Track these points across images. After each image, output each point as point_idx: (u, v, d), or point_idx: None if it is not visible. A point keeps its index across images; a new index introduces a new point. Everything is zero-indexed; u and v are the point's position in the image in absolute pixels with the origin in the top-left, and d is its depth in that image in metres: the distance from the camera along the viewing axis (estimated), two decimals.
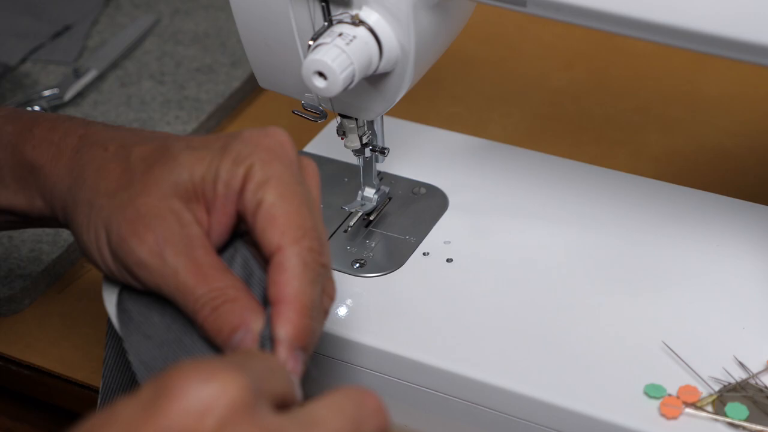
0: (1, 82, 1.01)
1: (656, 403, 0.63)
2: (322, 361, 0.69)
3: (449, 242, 0.74)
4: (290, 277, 0.55)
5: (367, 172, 0.76)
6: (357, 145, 0.73)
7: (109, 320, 0.60)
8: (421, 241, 0.74)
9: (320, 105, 0.71)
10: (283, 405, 0.49)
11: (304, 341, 0.55)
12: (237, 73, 1.01)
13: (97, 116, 0.97)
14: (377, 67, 0.65)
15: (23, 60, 1.04)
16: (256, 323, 0.55)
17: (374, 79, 0.67)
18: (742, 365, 0.64)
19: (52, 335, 0.79)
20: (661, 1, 0.58)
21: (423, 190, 0.78)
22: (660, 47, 0.61)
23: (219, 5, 1.10)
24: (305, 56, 0.63)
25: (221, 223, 0.58)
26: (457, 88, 0.99)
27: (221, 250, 0.58)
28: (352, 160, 0.77)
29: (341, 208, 0.77)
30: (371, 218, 0.76)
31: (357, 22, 0.64)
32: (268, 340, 0.54)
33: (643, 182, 0.78)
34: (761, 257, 0.71)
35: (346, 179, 0.80)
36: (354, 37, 0.63)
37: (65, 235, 0.84)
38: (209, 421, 0.44)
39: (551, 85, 0.99)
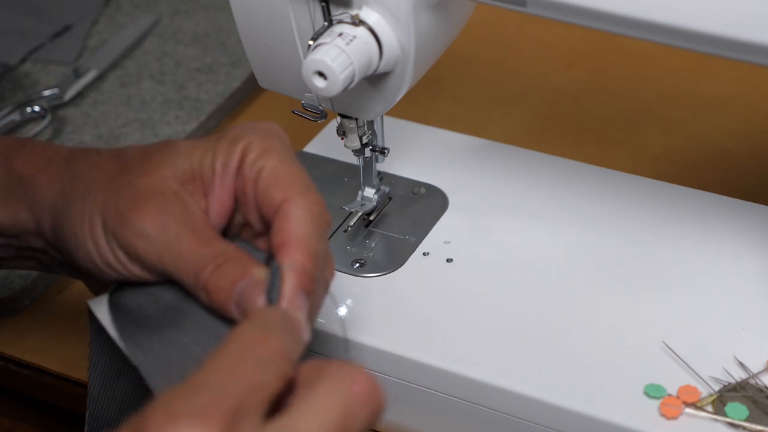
0: (1, 82, 1.01)
1: (656, 403, 0.63)
2: None
3: (449, 242, 0.74)
4: (297, 223, 0.55)
5: (367, 172, 0.76)
6: (357, 145, 0.73)
7: (91, 347, 0.59)
8: (421, 241, 0.74)
9: (320, 105, 0.71)
10: (283, 392, 0.48)
11: (309, 285, 0.54)
12: (237, 73, 1.01)
13: (97, 116, 0.97)
14: (377, 67, 0.65)
15: (23, 60, 1.04)
16: (258, 271, 0.54)
17: (374, 79, 0.67)
18: (742, 365, 0.64)
19: (52, 335, 0.79)
20: (661, 1, 0.58)
21: (423, 190, 0.78)
22: (660, 47, 0.61)
23: (219, 5, 1.10)
24: (305, 56, 0.63)
25: (219, 203, 0.58)
26: (457, 88, 0.99)
27: None
28: (352, 160, 0.77)
29: (341, 208, 0.77)
30: (371, 218, 0.76)
31: (357, 22, 0.64)
32: (278, 280, 0.53)
33: (643, 182, 0.78)
34: (761, 257, 0.71)
35: (346, 179, 0.80)
36: (354, 37, 0.63)
37: None
38: None
39: (551, 85, 0.99)
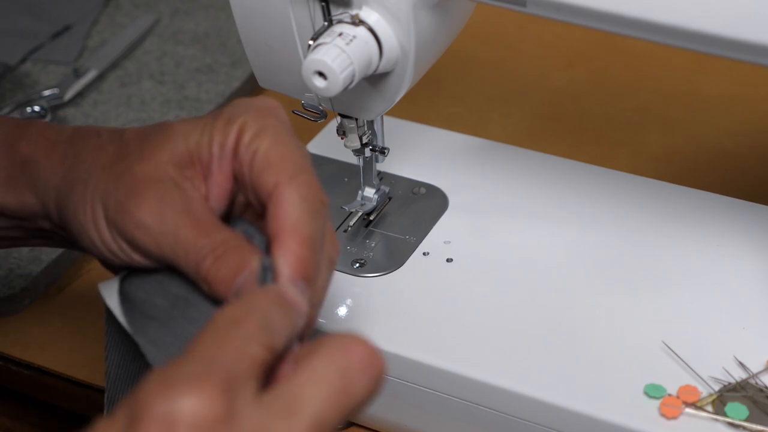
0: (1, 82, 1.01)
1: (656, 403, 0.63)
2: None
3: (449, 242, 0.74)
4: (288, 209, 0.55)
5: (367, 172, 0.76)
6: (357, 145, 0.73)
7: (107, 326, 0.59)
8: (421, 241, 0.74)
9: (320, 105, 0.71)
10: (275, 361, 0.49)
11: (306, 272, 0.54)
12: (237, 73, 1.01)
13: (98, 116, 0.97)
14: (377, 67, 0.65)
15: (23, 60, 1.04)
16: (257, 261, 0.54)
17: (374, 79, 0.67)
18: (742, 365, 0.64)
19: (52, 335, 0.79)
20: (661, 1, 0.58)
21: (423, 190, 0.78)
22: (660, 47, 0.61)
23: (219, 5, 1.10)
24: (305, 56, 0.63)
25: (219, 186, 0.58)
26: (457, 88, 0.99)
27: None
28: (352, 160, 0.77)
29: (341, 208, 0.77)
30: (371, 218, 0.76)
31: (357, 22, 0.64)
32: (270, 274, 0.53)
33: (643, 182, 0.78)
34: (761, 257, 0.71)
35: (346, 179, 0.80)
36: (354, 37, 0.63)
37: None
38: None
39: (551, 85, 0.99)
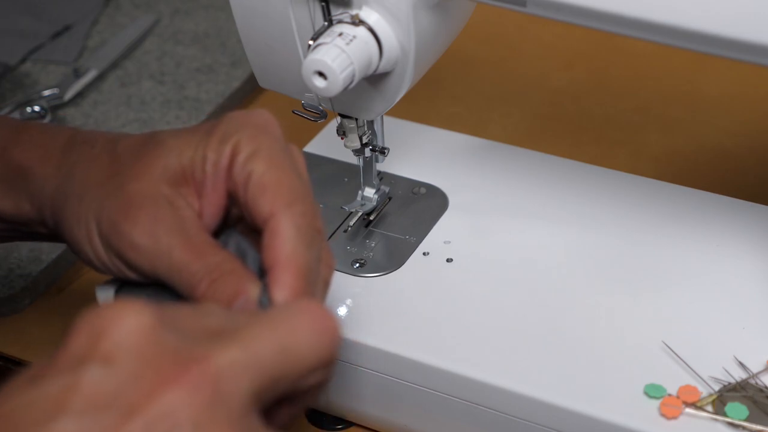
0: (1, 82, 1.01)
1: (656, 403, 0.63)
2: None
3: (449, 242, 0.74)
4: (283, 240, 0.55)
5: (367, 172, 0.76)
6: (357, 145, 0.73)
7: None
8: (421, 241, 0.74)
9: (320, 105, 0.71)
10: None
11: None
12: (237, 73, 1.01)
13: (98, 116, 0.97)
14: (377, 67, 0.65)
15: (23, 60, 1.04)
16: (253, 290, 0.54)
17: (374, 79, 0.67)
18: (742, 365, 0.64)
19: (52, 335, 0.79)
20: (661, 1, 0.58)
21: (423, 190, 0.78)
22: (660, 47, 0.61)
23: (219, 5, 1.10)
24: (305, 56, 0.63)
25: (212, 204, 0.58)
26: (457, 88, 0.99)
27: (213, 237, 0.58)
28: (352, 160, 0.77)
29: (341, 208, 0.77)
30: (371, 218, 0.76)
31: (357, 21, 0.64)
32: (268, 306, 0.54)
33: (643, 182, 0.78)
34: (761, 257, 0.71)
35: (346, 179, 0.80)
36: (354, 37, 0.63)
37: None
38: (104, 344, 0.45)
39: (551, 85, 0.99)
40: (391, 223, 0.76)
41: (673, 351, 0.65)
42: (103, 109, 0.98)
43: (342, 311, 0.70)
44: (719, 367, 0.64)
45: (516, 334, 0.67)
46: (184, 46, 1.05)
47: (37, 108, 0.96)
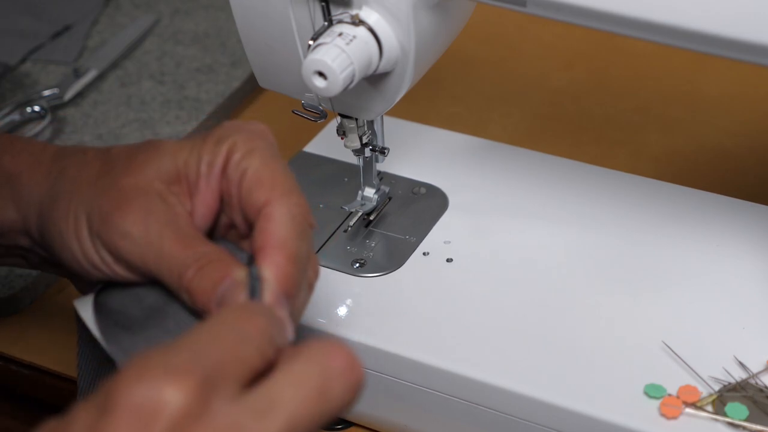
0: (1, 82, 1.01)
1: (656, 403, 0.63)
2: None
3: (449, 242, 0.74)
4: (277, 224, 0.55)
5: (367, 172, 0.76)
6: (357, 145, 0.73)
7: (79, 346, 0.59)
8: (421, 241, 0.74)
9: (320, 105, 0.71)
10: (263, 370, 0.48)
11: (289, 288, 0.54)
12: (237, 73, 1.01)
13: (98, 116, 0.97)
14: (377, 67, 0.65)
15: (23, 60, 1.04)
16: (239, 273, 0.54)
17: (374, 79, 0.67)
18: (742, 365, 0.64)
19: (52, 335, 0.79)
20: (661, 1, 0.58)
21: (423, 190, 0.78)
22: (660, 47, 0.61)
23: (219, 5, 1.10)
24: (305, 56, 0.63)
25: (204, 204, 0.58)
26: (457, 88, 0.99)
27: None
28: (352, 160, 0.77)
29: (341, 208, 0.77)
30: (371, 218, 0.76)
31: (357, 21, 0.64)
32: (256, 289, 0.53)
33: (643, 182, 0.78)
34: (761, 257, 0.71)
35: (346, 179, 0.80)
36: (354, 37, 0.63)
37: None
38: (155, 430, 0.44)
39: (551, 85, 0.99)
40: (391, 223, 0.76)
41: (673, 351, 0.65)
42: (103, 109, 0.98)
43: (342, 311, 0.70)
44: (719, 367, 0.64)
45: (516, 334, 0.67)
46: (184, 46, 1.05)
47: (37, 108, 0.96)
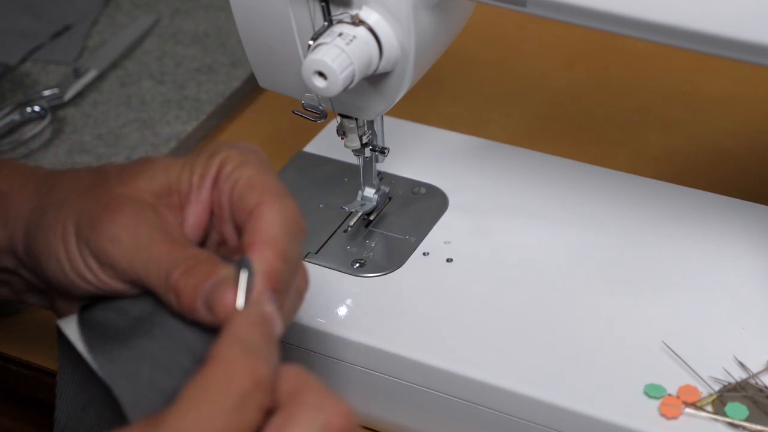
0: (1, 82, 1.01)
1: (656, 403, 0.63)
2: (322, 361, 0.69)
3: (449, 242, 0.74)
4: (268, 224, 0.55)
5: (367, 172, 0.76)
6: (357, 145, 0.73)
7: (59, 373, 0.59)
8: (421, 241, 0.74)
9: (320, 105, 0.71)
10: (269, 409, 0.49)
11: (278, 284, 0.54)
12: (237, 73, 1.01)
13: (98, 116, 0.97)
14: (377, 67, 0.65)
15: (23, 60, 1.04)
16: (226, 270, 0.54)
17: (374, 79, 0.67)
18: (742, 365, 0.64)
19: (52, 335, 0.79)
20: (661, 1, 0.58)
21: (423, 190, 0.78)
22: (660, 47, 0.61)
23: (219, 5, 1.10)
24: (305, 56, 0.63)
25: (195, 215, 0.58)
26: (457, 88, 0.99)
27: None
28: (352, 160, 0.77)
29: (341, 208, 0.77)
30: (371, 218, 0.76)
31: (357, 22, 0.64)
32: (251, 277, 0.53)
33: (643, 182, 0.78)
34: (761, 257, 0.71)
35: (346, 179, 0.80)
36: (354, 37, 0.63)
37: None
38: None
39: (551, 85, 0.99)
40: (391, 223, 0.76)
41: (673, 351, 0.65)
42: (103, 109, 0.98)
43: (342, 311, 0.70)
44: (719, 367, 0.64)
45: (516, 334, 0.67)
46: (184, 46, 1.05)
47: (37, 108, 0.96)
